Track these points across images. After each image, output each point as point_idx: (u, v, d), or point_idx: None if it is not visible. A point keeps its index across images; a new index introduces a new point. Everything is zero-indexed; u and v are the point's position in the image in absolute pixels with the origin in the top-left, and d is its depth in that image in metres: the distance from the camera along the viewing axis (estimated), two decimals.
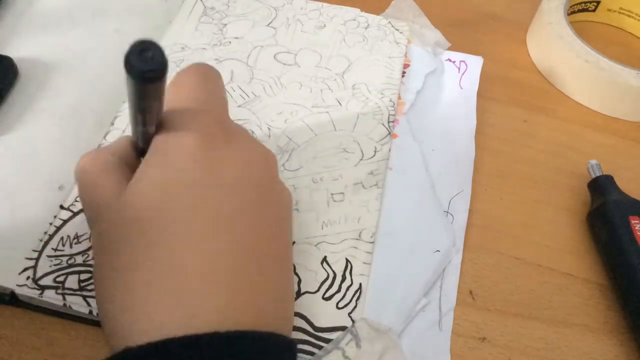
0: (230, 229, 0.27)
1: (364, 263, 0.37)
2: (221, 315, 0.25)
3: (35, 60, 0.45)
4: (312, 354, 0.33)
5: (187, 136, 0.27)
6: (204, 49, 0.48)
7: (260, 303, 0.27)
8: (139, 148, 0.30)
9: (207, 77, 0.31)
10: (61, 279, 0.34)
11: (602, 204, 0.40)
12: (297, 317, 0.34)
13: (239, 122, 0.42)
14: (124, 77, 0.22)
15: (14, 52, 0.44)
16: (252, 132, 0.42)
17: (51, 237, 0.36)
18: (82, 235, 0.36)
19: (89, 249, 0.35)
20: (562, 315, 0.38)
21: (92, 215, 0.29)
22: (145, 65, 0.21)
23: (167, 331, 0.24)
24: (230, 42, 0.49)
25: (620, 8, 0.58)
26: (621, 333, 0.37)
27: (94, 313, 0.33)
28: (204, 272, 0.26)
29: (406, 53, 0.50)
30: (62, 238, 0.36)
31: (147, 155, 0.28)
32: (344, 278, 0.36)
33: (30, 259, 0.35)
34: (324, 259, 0.37)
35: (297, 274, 0.36)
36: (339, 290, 0.36)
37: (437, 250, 0.39)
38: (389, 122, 0.44)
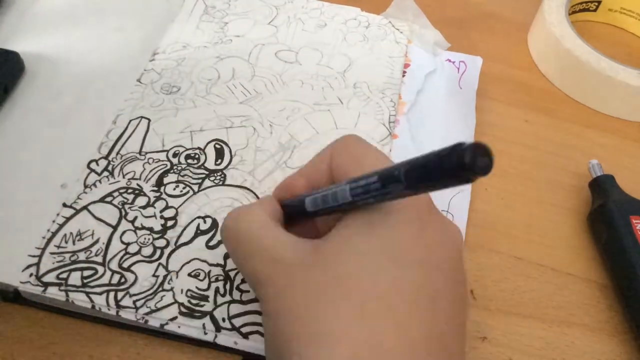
0: (427, 311, 0.26)
1: None
2: None
3: (40, 56, 0.45)
4: None
5: (403, 219, 0.27)
6: (205, 47, 0.48)
7: None
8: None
9: (376, 148, 0.31)
10: (64, 275, 0.34)
11: (603, 203, 0.40)
12: None
13: (241, 119, 0.43)
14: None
15: (19, 47, 0.45)
16: (254, 129, 0.42)
17: (54, 234, 0.36)
18: (85, 232, 0.36)
19: (91, 245, 0.35)
20: (562, 315, 0.38)
21: (262, 277, 0.28)
22: (478, 168, 0.19)
23: None
24: (231, 41, 0.49)
25: (621, 8, 0.58)
26: (621, 333, 0.37)
27: (97, 308, 0.33)
28: (400, 357, 0.24)
29: (406, 53, 0.50)
30: (64, 235, 0.36)
31: (349, 220, 0.27)
32: None
33: (34, 256, 0.35)
34: None
35: None
36: None
37: None
38: (389, 122, 0.44)
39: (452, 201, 0.42)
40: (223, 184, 0.39)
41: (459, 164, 0.19)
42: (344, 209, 0.28)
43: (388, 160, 0.30)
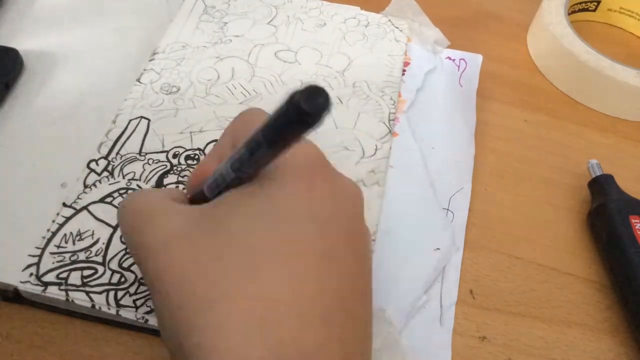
0: (322, 266, 0.25)
1: None
2: (313, 353, 0.24)
3: (39, 54, 0.45)
4: None
5: (291, 178, 0.27)
6: (204, 47, 0.48)
7: (349, 345, 0.25)
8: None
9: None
10: (64, 275, 0.34)
11: (603, 203, 0.40)
12: None
13: None
14: (278, 115, 0.22)
15: (18, 45, 0.45)
16: None
17: (54, 234, 0.36)
18: (85, 232, 0.36)
19: (91, 245, 0.35)
20: (562, 315, 0.38)
21: (150, 250, 0.27)
22: (312, 108, 0.20)
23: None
24: (231, 40, 0.49)
25: (621, 8, 0.58)
26: (621, 333, 0.37)
27: (97, 307, 0.33)
28: (297, 308, 0.24)
29: (406, 51, 0.50)
30: (64, 235, 0.36)
31: (239, 187, 0.27)
32: None
33: (34, 255, 0.35)
34: None
35: None
36: None
37: (438, 248, 0.39)
38: (389, 120, 0.44)
39: (452, 200, 0.42)
40: None
41: (298, 111, 0.20)
42: (236, 185, 0.27)
43: None
